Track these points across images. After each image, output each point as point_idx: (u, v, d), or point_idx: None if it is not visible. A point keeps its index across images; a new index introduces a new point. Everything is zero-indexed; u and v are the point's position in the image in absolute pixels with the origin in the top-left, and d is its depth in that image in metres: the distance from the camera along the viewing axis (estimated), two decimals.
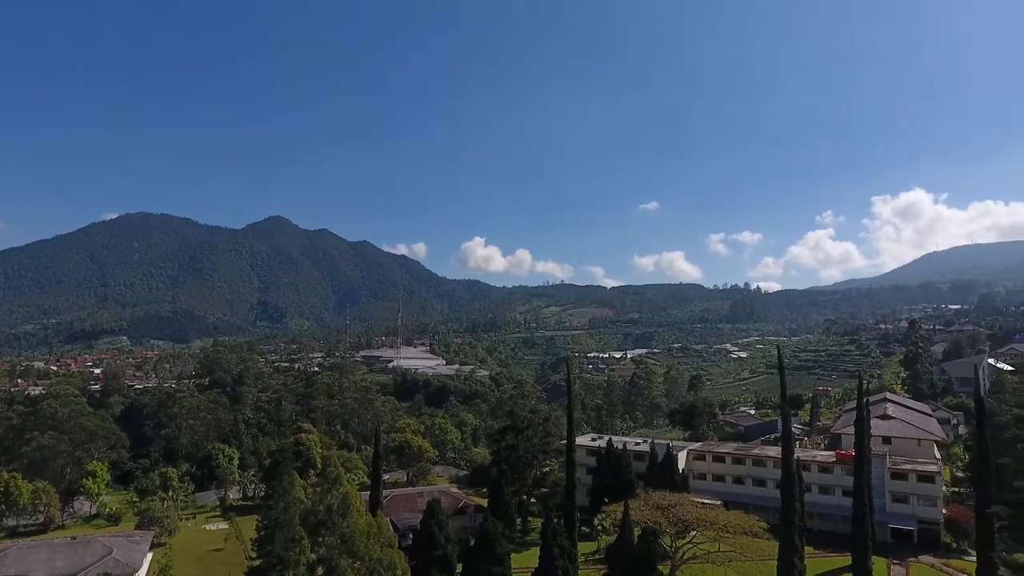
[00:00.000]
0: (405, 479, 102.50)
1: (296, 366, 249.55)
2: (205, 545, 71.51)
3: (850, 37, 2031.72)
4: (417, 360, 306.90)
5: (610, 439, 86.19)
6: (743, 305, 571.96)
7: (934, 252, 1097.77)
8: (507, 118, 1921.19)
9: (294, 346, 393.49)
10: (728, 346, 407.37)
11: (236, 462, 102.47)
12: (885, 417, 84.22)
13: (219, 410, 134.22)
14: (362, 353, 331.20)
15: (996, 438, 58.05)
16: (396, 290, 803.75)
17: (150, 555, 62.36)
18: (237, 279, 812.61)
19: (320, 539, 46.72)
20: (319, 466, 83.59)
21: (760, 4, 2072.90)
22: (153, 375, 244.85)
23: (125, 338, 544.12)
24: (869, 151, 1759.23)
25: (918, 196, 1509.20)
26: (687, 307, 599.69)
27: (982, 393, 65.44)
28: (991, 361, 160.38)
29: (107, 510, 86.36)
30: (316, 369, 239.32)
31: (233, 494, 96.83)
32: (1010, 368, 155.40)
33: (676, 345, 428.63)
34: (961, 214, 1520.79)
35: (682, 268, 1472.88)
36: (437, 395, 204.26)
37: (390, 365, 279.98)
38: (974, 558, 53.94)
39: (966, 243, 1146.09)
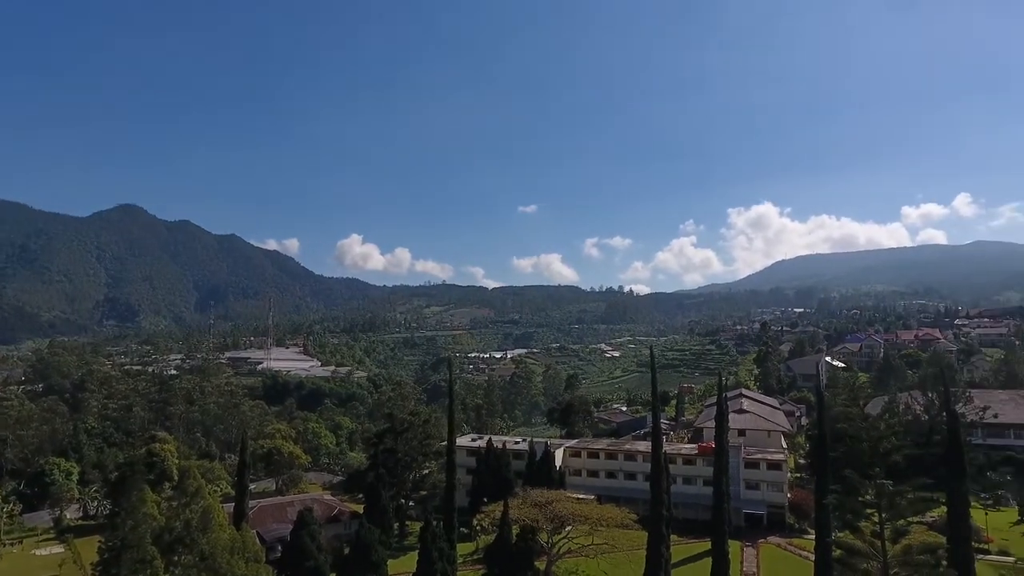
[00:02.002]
0: (274, 488, 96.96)
1: (150, 369, 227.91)
2: (35, 573, 63.28)
3: (707, 63, 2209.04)
4: (289, 361, 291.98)
5: (490, 439, 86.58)
6: (617, 307, 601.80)
7: (782, 260, 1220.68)
8: (382, 114, 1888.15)
9: (148, 347, 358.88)
10: (603, 346, 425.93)
11: (76, 477, 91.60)
12: (741, 411, 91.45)
13: (55, 420, 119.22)
14: (228, 354, 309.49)
15: (833, 429, 64.79)
16: (267, 287, 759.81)
17: None
18: (80, 272, 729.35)
19: (176, 558, 42.69)
20: (176, 478, 76.76)
21: (630, 24, 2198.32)
22: None
23: None
24: (725, 166, 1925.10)
25: (767, 209, 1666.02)
26: (565, 308, 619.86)
27: (821, 388, 72.84)
28: (828, 359, 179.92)
29: None
30: (174, 372, 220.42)
31: (71, 513, 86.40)
32: (842, 365, 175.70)
33: (554, 345, 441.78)
34: (801, 226, 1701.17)
35: (559, 270, 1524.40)
36: (311, 398, 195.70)
37: (259, 367, 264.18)
38: (813, 536, 59.84)
39: (807, 253, 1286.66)
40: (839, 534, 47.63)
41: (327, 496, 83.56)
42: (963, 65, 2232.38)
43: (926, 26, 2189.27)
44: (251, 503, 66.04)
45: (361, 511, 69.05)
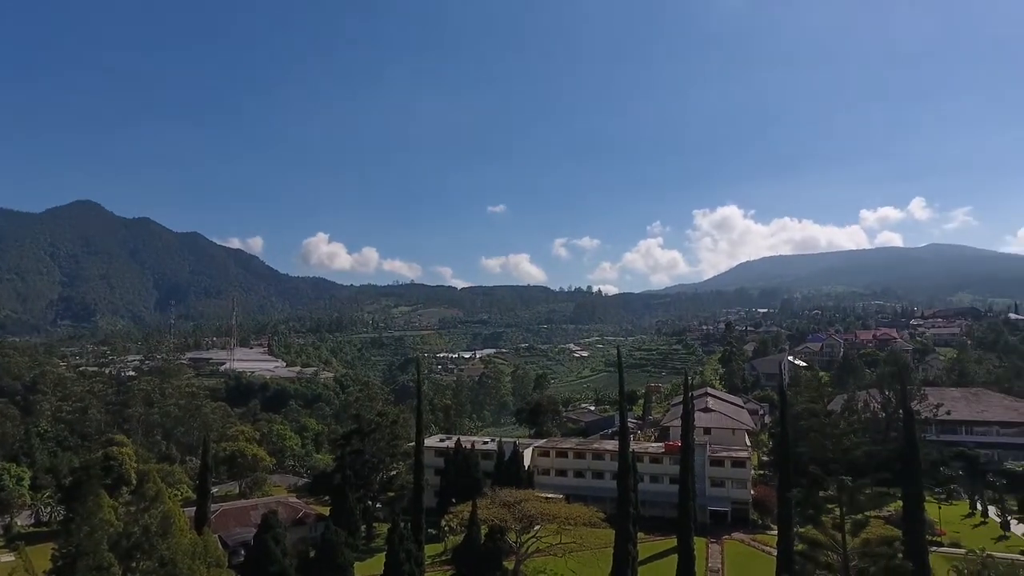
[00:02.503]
0: (238, 491, 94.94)
1: (107, 370, 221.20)
2: None
3: (675, 67, 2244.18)
4: (253, 362, 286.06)
5: (458, 439, 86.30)
6: (586, 307, 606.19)
7: (747, 261, 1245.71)
8: (349, 113, 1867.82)
9: (105, 348, 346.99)
10: (571, 346, 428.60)
11: (27, 483, 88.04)
12: (706, 410, 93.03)
13: (6, 423, 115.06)
14: (189, 355, 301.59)
15: (795, 426, 66.31)
16: (230, 286, 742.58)
17: None
18: (32, 270, 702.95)
19: (135, 564, 41.35)
20: (134, 482, 74.65)
21: (600, 27, 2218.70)
22: None
23: None
24: (691, 168, 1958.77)
25: (731, 211, 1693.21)
26: (534, 308, 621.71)
27: (784, 387, 74.32)
28: (790, 358, 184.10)
29: None
30: (132, 373, 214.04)
31: (22, 520, 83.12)
32: (804, 364, 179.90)
33: (523, 345, 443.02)
34: (765, 228, 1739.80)
35: (528, 270, 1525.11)
36: (276, 399, 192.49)
37: (222, 368, 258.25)
38: (776, 532, 61.02)
39: (771, 254, 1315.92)
40: (801, 529, 48.70)
41: (292, 499, 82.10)
42: (918, 70, 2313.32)
43: (885, 31, 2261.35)
44: (213, 507, 64.46)
45: (327, 513, 68.00)
